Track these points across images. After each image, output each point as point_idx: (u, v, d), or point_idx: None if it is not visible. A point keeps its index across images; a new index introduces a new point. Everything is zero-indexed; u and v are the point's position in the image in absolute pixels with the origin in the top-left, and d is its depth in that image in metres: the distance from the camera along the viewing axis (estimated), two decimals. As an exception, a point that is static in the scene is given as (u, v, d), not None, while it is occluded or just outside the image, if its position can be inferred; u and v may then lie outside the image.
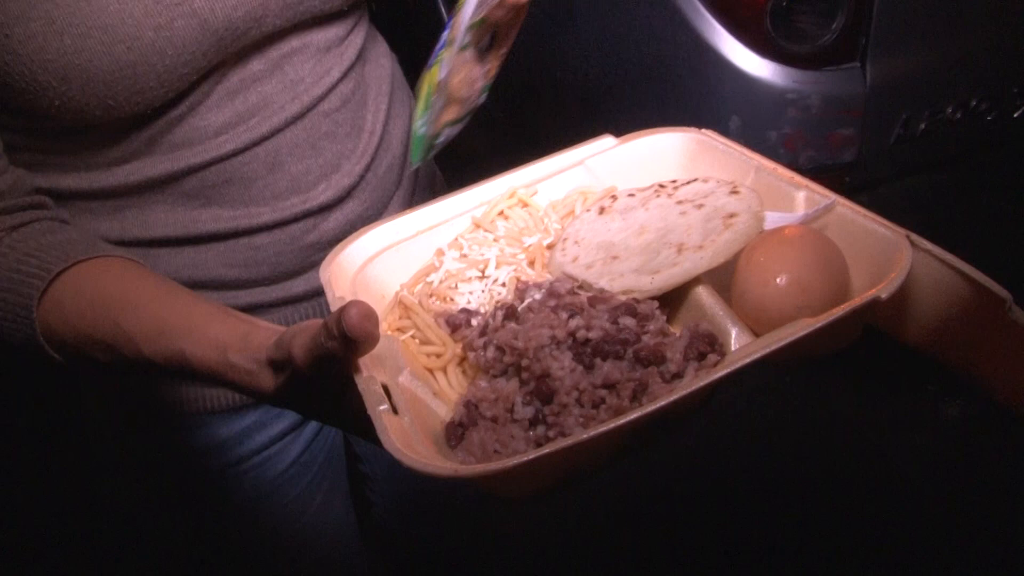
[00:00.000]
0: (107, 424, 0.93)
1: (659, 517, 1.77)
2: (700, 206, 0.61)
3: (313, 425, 0.97)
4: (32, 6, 0.61)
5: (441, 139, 0.77)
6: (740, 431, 1.84)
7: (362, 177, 0.84)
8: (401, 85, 0.94)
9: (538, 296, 0.56)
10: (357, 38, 0.84)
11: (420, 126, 0.77)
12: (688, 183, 0.66)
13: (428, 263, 0.67)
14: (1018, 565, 1.54)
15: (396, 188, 0.89)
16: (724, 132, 1.41)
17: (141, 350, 0.62)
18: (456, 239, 0.68)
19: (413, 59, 0.89)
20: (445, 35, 0.73)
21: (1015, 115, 1.48)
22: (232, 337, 0.59)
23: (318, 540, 1.04)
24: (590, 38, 1.65)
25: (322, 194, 0.80)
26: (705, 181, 0.65)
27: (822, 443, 1.85)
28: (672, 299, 0.57)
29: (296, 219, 0.80)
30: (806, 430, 1.89)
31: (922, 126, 1.42)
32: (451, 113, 0.75)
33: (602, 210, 0.66)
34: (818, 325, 0.47)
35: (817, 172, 1.41)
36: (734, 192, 0.61)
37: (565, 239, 0.64)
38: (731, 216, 0.58)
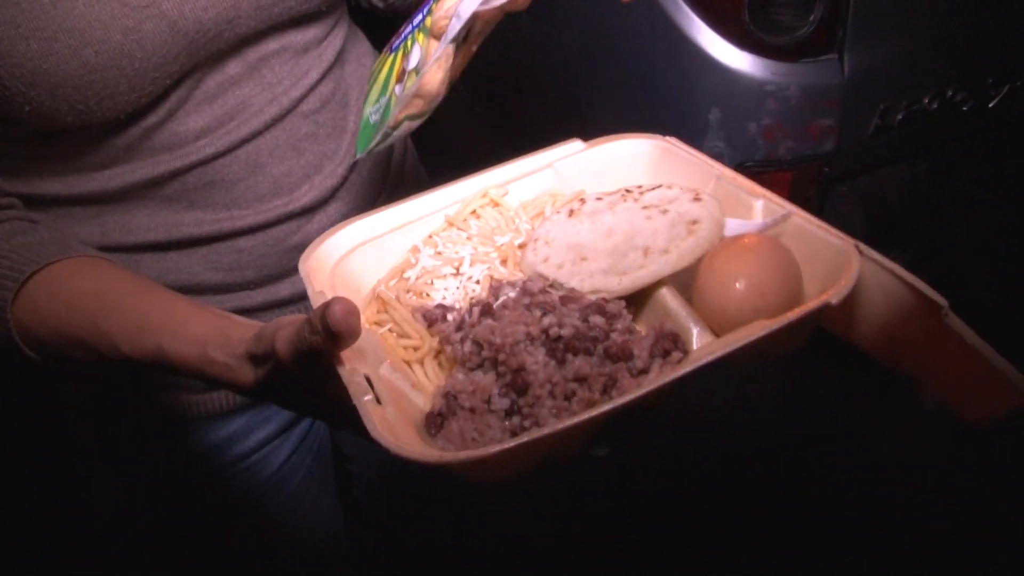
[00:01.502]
0: (91, 432, 0.93)
1: (641, 510, 1.79)
2: (665, 211, 0.65)
3: (300, 429, 0.99)
4: None
5: (398, 132, 0.71)
6: (727, 423, 1.86)
7: (346, 178, 0.84)
8: None
9: (512, 294, 0.59)
10: (336, 39, 0.84)
11: (372, 113, 0.72)
12: (653, 189, 0.69)
13: (404, 259, 0.69)
14: (1003, 555, 1.59)
15: (382, 189, 0.90)
16: (704, 124, 1.46)
17: (120, 348, 0.63)
18: (431, 236, 0.71)
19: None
20: (419, 19, 0.69)
21: (990, 105, 1.52)
22: (210, 333, 0.61)
23: (307, 542, 1.06)
24: (570, 32, 1.67)
25: (305, 195, 0.81)
26: (669, 187, 0.68)
27: (807, 435, 1.89)
28: (638, 299, 0.61)
29: (279, 221, 0.81)
30: (792, 422, 1.92)
31: (899, 116, 1.45)
32: (415, 107, 0.69)
33: (571, 212, 0.69)
34: (773, 328, 0.51)
35: (797, 162, 1.44)
36: (696, 199, 0.65)
37: (536, 239, 0.67)
38: (694, 222, 0.62)
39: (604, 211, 0.68)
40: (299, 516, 1.02)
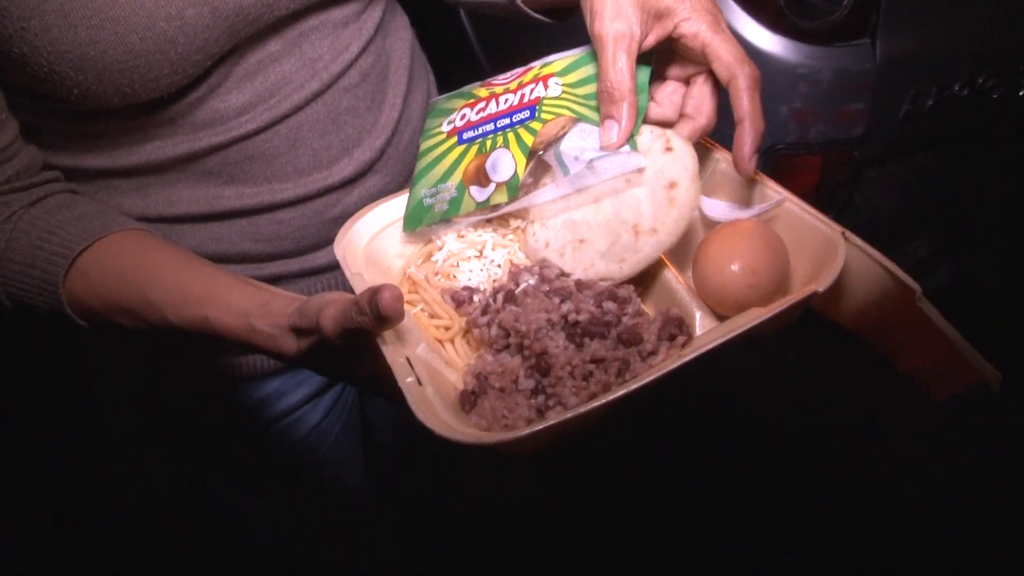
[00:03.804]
0: (125, 394, 0.98)
1: (651, 478, 1.84)
2: (641, 171, 0.68)
3: (331, 395, 1.04)
4: None
5: (466, 221, 0.73)
6: (737, 410, 1.90)
7: (383, 151, 0.86)
8: (420, 58, 0.95)
9: (532, 281, 0.66)
10: (375, 12, 0.86)
11: (427, 195, 0.73)
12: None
13: (427, 241, 0.75)
14: (1010, 544, 1.63)
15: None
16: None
17: (167, 317, 0.68)
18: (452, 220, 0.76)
19: (430, 30, 0.88)
20: (507, 124, 0.71)
21: (1020, 93, 1.51)
22: (253, 304, 0.66)
23: (336, 503, 1.13)
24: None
25: (344, 169, 0.83)
26: (639, 133, 0.70)
27: (820, 422, 1.91)
28: (645, 280, 0.68)
29: (319, 194, 0.83)
30: (805, 410, 1.94)
31: (930, 102, 1.44)
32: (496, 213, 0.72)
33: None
34: (767, 316, 0.58)
35: (827, 146, 1.44)
36: (668, 149, 0.68)
37: (532, 222, 0.72)
38: (672, 186, 0.66)
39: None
40: (329, 478, 1.08)
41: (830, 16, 1.38)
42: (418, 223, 0.73)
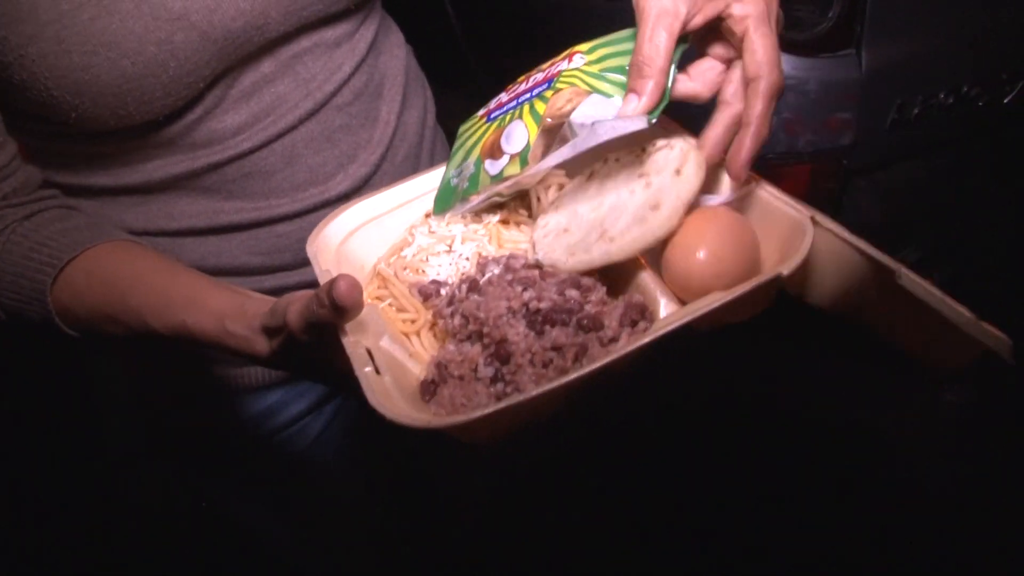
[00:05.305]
0: (127, 407, 1.00)
1: (640, 466, 1.84)
2: (648, 185, 0.65)
3: (332, 406, 1.04)
4: (43, 27, 0.66)
5: (481, 201, 0.72)
6: (737, 417, 1.89)
7: (378, 167, 0.88)
8: (416, 75, 0.97)
9: (497, 271, 0.65)
10: (368, 31, 0.87)
11: (453, 176, 0.73)
12: (670, 147, 0.67)
13: (401, 238, 0.75)
14: (1011, 551, 1.60)
15: (413, 176, 0.94)
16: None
17: (147, 322, 0.70)
18: (426, 216, 0.76)
19: (428, 48, 0.90)
20: (527, 97, 0.70)
21: (1005, 101, 1.52)
22: (229, 307, 0.67)
23: (336, 512, 1.11)
24: (598, 22, 1.66)
25: (340, 184, 0.85)
26: (685, 145, 0.66)
27: (819, 426, 1.91)
28: (616, 272, 0.67)
29: (316, 209, 0.85)
30: (803, 414, 1.94)
31: (916, 111, 1.46)
32: (510, 190, 0.72)
33: (590, 175, 0.71)
34: (729, 298, 0.57)
35: (816, 155, 1.46)
36: (677, 173, 0.64)
37: (551, 210, 0.70)
38: (655, 207, 0.63)
39: (613, 175, 0.69)
40: (332, 487, 1.08)
41: (816, 28, 1.40)
42: (446, 204, 0.72)
